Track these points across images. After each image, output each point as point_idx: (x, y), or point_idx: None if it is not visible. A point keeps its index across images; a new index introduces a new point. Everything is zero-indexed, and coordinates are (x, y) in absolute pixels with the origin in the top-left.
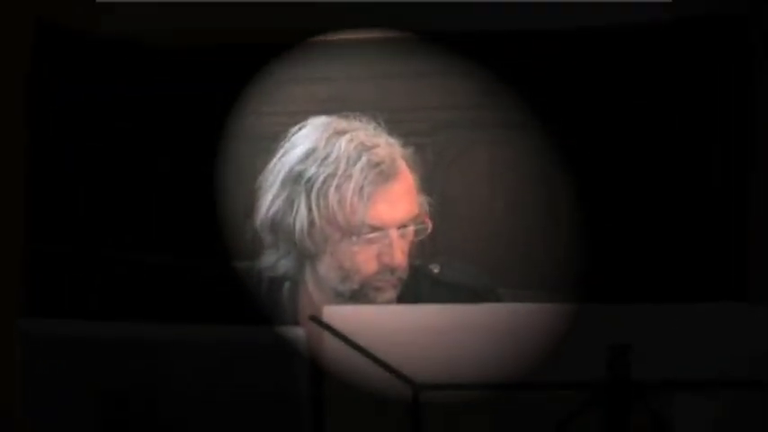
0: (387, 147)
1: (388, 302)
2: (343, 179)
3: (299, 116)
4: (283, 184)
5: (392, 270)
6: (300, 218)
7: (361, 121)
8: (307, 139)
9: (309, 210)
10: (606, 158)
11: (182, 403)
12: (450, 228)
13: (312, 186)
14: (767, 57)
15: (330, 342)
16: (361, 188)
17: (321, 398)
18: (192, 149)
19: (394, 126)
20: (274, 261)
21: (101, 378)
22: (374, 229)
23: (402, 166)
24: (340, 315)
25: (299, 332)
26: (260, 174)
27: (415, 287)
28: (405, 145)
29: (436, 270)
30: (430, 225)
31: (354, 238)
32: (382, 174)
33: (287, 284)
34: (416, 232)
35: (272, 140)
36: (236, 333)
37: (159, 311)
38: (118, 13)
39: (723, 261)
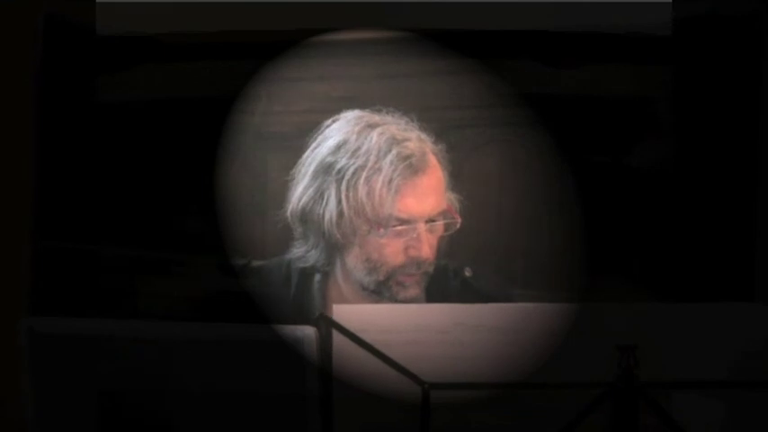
0: (417, 141)
1: (413, 299)
2: (372, 171)
3: (307, 114)
4: (315, 175)
5: (419, 264)
6: (330, 209)
7: (393, 115)
8: (339, 132)
9: (339, 201)
10: (613, 156)
11: (188, 402)
12: (460, 226)
13: (342, 178)
14: None
15: (339, 341)
16: (390, 180)
17: (329, 397)
18: (197, 148)
19: None
20: (304, 252)
21: (105, 376)
22: (402, 221)
23: (432, 160)
24: (350, 313)
25: (307, 331)
26: (269, 171)
27: (444, 285)
28: (437, 141)
29: (468, 273)
30: (459, 221)
31: (382, 231)
32: (411, 167)
33: (317, 276)
34: (446, 227)
35: (280, 138)
36: (244, 331)
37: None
38: (118, 12)
39: (729, 259)
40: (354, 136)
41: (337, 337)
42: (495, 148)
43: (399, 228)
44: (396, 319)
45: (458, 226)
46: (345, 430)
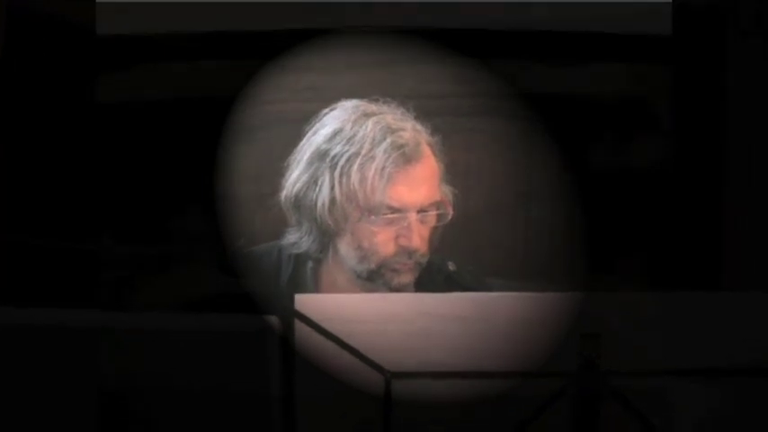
0: (412, 131)
1: (406, 285)
2: (366, 159)
3: (272, 105)
4: (309, 161)
5: (410, 253)
6: (323, 195)
7: (389, 105)
8: (335, 120)
9: (332, 187)
10: (584, 148)
11: (154, 394)
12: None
13: (336, 164)
14: (743, 43)
15: (302, 330)
16: (383, 168)
17: (292, 388)
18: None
19: None
20: (297, 239)
21: (69, 369)
22: (393, 210)
23: (426, 151)
24: (313, 303)
25: (270, 321)
26: (230, 162)
27: (429, 278)
28: (433, 133)
29: (452, 268)
30: (451, 213)
31: (373, 218)
32: (404, 156)
33: (310, 263)
34: (438, 218)
35: (246, 131)
36: (210, 321)
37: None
38: (118, 12)
39: (698, 248)
40: (350, 124)
41: (300, 327)
42: (464, 137)
43: (390, 216)
44: (360, 309)
45: (449, 218)
46: (309, 422)
